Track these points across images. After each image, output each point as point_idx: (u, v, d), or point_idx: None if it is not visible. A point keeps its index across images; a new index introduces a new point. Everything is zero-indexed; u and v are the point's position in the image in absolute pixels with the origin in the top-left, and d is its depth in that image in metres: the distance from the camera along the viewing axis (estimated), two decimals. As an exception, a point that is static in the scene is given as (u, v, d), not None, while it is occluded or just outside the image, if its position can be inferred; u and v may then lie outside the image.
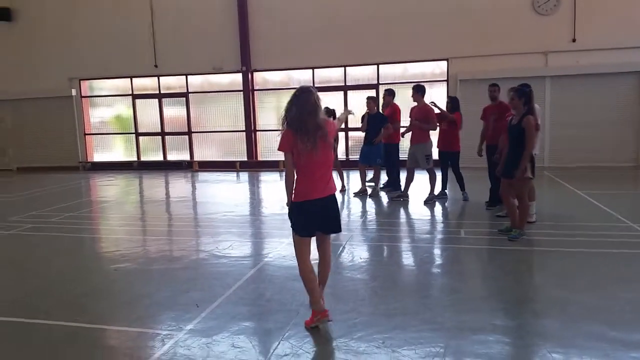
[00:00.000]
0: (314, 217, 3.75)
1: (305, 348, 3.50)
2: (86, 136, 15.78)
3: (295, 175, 3.75)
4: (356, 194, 9.21)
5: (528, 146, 5.75)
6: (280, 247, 5.90)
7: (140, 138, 15.44)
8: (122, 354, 3.48)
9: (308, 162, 3.66)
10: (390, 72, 13.31)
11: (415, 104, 8.39)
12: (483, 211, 7.59)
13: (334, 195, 3.85)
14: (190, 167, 14.76)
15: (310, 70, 13.69)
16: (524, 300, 4.32)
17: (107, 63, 14.84)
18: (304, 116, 3.61)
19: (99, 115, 15.96)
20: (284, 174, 4.00)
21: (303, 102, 3.63)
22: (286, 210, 3.87)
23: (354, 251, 5.89)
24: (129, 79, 15.09)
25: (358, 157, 9.61)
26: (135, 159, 15.46)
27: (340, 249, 5.83)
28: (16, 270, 5.61)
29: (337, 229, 3.94)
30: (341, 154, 12.44)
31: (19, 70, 15.54)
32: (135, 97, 15.21)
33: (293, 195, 3.77)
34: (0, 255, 6.27)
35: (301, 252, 3.81)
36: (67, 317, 4.09)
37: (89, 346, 3.70)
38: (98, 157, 15.96)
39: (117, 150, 15.94)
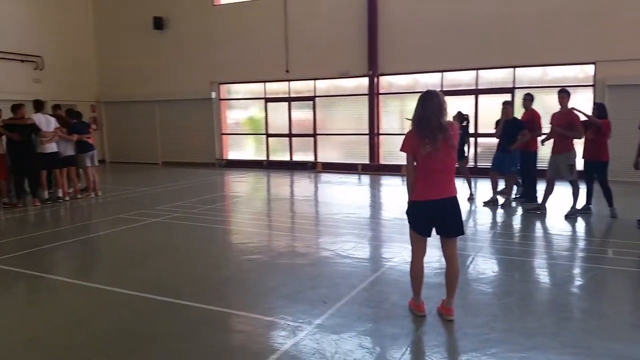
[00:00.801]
0: (429, 217, 3.84)
1: (434, 357, 3.39)
2: (222, 136, 17.03)
3: (415, 175, 3.86)
4: (486, 204, 8.74)
5: None
6: (405, 253, 5.78)
7: (270, 139, 16.27)
8: (255, 341, 3.66)
9: (428, 163, 3.75)
10: (526, 75, 12.49)
11: (558, 109, 7.76)
12: (635, 230, 6.77)
13: (453, 198, 3.85)
14: (313, 167, 15.21)
15: (439, 74, 13.35)
16: (690, 335, 3.76)
17: (243, 69, 15.87)
18: (428, 117, 3.72)
19: (234, 116, 17.15)
20: (405, 176, 4.02)
21: (428, 104, 3.75)
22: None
23: (484, 264, 5.59)
24: (263, 84, 15.99)
25: (490, 164, 9.12)
26: (264, 158, 16.33)
27: (470, 260, 5.57)
28: (166, 255, 6.21)
29: (457, 232, 3.92)
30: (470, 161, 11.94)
31: (167, 74, 17.26)
32: (267, 100, 16.08)
33: (412, 194, 3.88)
34: (152, 240, 6.99)
35: (414, 249, 3.99)
36: (207, 300, 4.42)
37: (225, 329, 3.96)
38: (232, 155, 17.12)
39: (248, 149, 16.97)
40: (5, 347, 3.61)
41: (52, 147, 9.47)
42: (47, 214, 8.81)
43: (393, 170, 13.70)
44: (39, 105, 9.66)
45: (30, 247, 6.52)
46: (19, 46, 15.63)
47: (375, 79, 14.08)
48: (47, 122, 9.45)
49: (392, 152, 14.20)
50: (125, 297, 4.60)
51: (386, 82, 14.34)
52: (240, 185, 13.00)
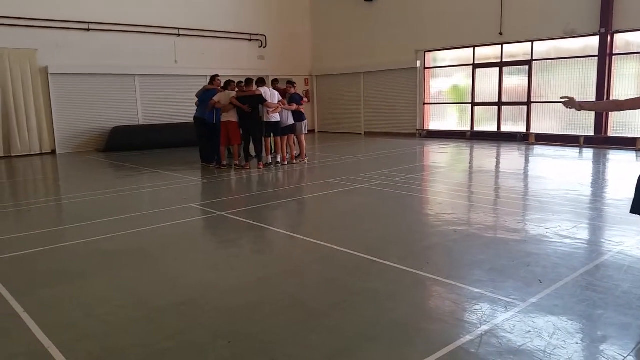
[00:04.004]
0: None
1: (682, 359, 2.84)
2: (425, 105, 16.82)
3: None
4: None
5: None
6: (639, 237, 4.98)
7: (476, 108, 15.48)
8: (464, 309, 3.55)
9: None
10: None
11: None
12: None
13: None
14: (525, 139, 14.01)
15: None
16: None
17: (451, 34, 15.29)
18: None
19: (437, 85, 16.75)
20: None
21: None
22: None
23: None
24: (472, 49, 15.19)
25: None
26: (468, 128, 15.65)
27: None
28: (372, 218, 6.45)
29: None
30: None
31: (373, 45, 17.63)
32: (475, 66, 15.26)
33: None
34: (359, 203, 7.34)
35: None
36: (413, 264, 4.44)
37: (432, 294, 3.94)
38: (433, 125, 16.83)
39: (451, 119, 16.46)
40: (244, 282, 4.22)
41: (275, 117, 10.54)
42: (268, 176, 9.91)
43: (624, 143, 11.81)
44: (263, 81, 10.76)
45: (255, 204, 7.47)
46: (248, 27, 17.69)
47: (609, 37, 12.15)
48: (272, 95, 10.53)
49: (626, 122, 12.21)
50: (334, 252, 4.91)
51: (623, 40, 12.27)
52: (442, 156, 12.72)
